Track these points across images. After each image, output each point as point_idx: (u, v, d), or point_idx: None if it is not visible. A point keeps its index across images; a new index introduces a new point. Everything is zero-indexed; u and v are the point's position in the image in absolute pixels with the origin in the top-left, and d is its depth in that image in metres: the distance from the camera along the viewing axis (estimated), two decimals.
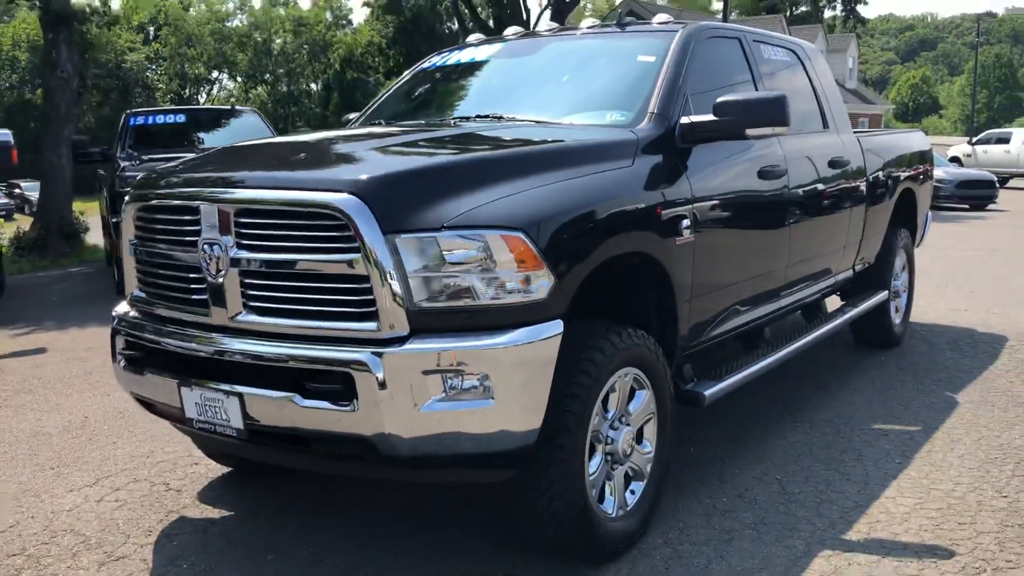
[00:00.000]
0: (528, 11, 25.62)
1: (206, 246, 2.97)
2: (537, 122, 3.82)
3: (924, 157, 6.78)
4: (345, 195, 2.70)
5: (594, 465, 3.13)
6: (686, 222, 3.51)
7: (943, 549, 3.28)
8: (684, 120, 3.69)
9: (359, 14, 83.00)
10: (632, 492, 3.36)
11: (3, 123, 51.15)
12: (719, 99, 3.66)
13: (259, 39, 68.77)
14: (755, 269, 4.20)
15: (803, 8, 59.68)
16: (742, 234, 4.08)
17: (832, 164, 5.02)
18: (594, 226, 3.03)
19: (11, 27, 58.23)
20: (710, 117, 3.66)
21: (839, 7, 59.71)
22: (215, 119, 11.09)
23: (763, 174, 4.22)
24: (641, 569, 3.18)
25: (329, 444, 2.87)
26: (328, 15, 72.95)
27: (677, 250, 3.48)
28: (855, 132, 5.73)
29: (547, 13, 25.09)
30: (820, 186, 4.84)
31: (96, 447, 4.59)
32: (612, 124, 3.67)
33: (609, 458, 3.22)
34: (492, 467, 2.91)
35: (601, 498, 3.21)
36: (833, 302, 5.92)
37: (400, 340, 2.70)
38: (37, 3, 14.30)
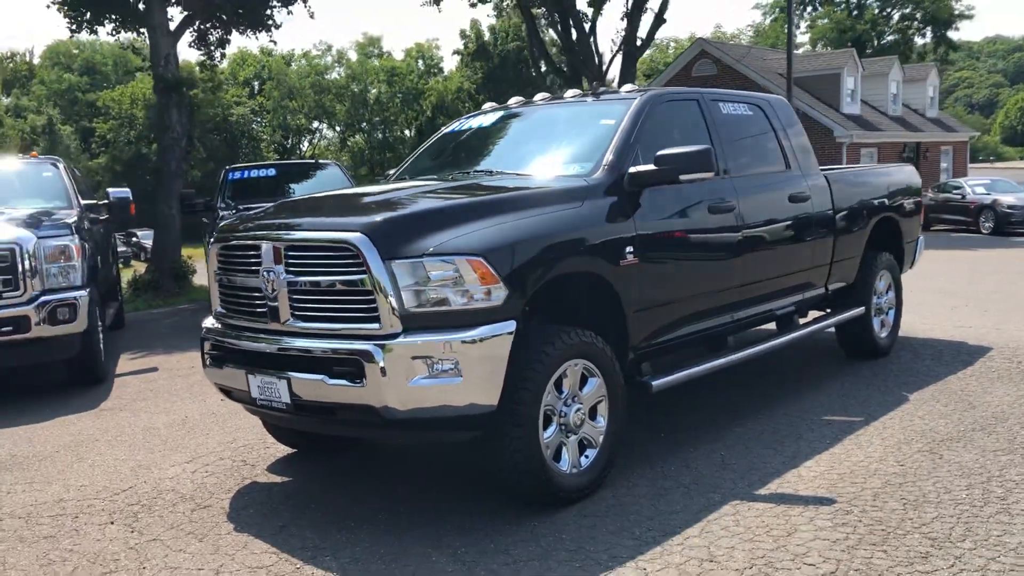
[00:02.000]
0: (600, 56, 26.82)
1: (265, 272, 4.18)
2: (517, 175, 4.95)
3: (910, 189, 7.60)
4: (357, 233, 3.87)
5: (549, 432, 4.17)
6: (629, 248, 4.55)
7: (827, 499, 4.19)
8: (632, 170, 4.74)
9: (450, 62, 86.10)
10: (586, 456, 4.38)
11: (122, 175, 55.13)
12: (658, 153, 4.71)
13: (355, 90, 72.06)
14: (703, 288, 5.18)
15: (890, 38, 59.28)
16: (688, 259, 5.08)
17: (792, 199, 5.96)
18: (541, 252, 4.11)
19: (130, 87, 62.81)
20: (651, 167, 4.70)
21: (928, 35, 59.10)
22: (302, 172, 12.57)
23: (713, 209, 5.22)
24: (587, 511, 4.19)
25: (348, 412, 4.01)
26: (420, 64, 76.01)
27: (621, 272, 4.52)
28: (827, 169, 6.65)
29: (618, 59, 26.19)
30: (777, 218, 5.80)
31: (193, 437, 5.84)
32: (573, 175, 4.75)
33: (563, 428, 4.26)
34: (462, 428, 4.01)
35: (558, 458, 4.25)
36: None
37: (395, 335, 3.83)
38: (151, 74, 16.15)
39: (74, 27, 16.98)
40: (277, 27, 17.34)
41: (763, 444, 5.08)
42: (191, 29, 17.61)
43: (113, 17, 17.01)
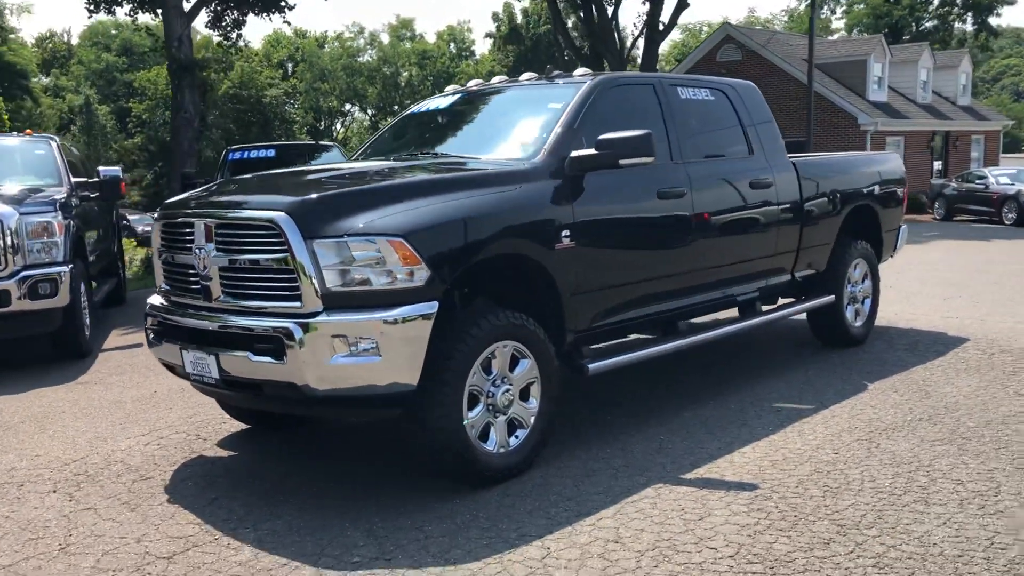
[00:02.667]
0: (622, 40, 26.65)
1: (198, 250, 4.27)
2: (460, 157, 4.98)
3: (891, 178, 7.52)
4: (280, 213, 3.93)
5: (475, 412, 4.22)
6: (565, 232, 4.58)
7: (751, 485, 4.21)
8: (574, 154, 4.76)
9: (482, 45, 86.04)
10: (516, 437, 4.43)
11: (156, 155, 55.75)
12: (599, 137, 4.72)
13: (387, 72, 72.25)
14: (649, 273, 5.19)
15: (928, 24, 58.19)
16: (632, 244, 5.08)
17: (754, 186, 5.94)
18: (466, 234, 4.14)
19: (165, 68, 63.50)
20: (592, 151, 4.72)
21: (969, 21, 57.92)
22: (301, 153, 12.67)
23: (663, 195, 5.23)
24: (511, 491, 4.24)
25: (273, 388, 4.09)
26: (452, 47, 76.03)
27: (557, 255, 4.55)
28: (795, 156, 6.61)
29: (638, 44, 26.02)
30: (735, 204, 5.79)
31: (156, 411, 5.96)
32: (513, 158, 4.78)
33: (491, 408, 4.31)
34: (383, 407, 4.08)
35: (486, 438, 4.30)
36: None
37: (316, 314, 3.89)
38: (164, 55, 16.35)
39: (91, 7, 17.20)
40: (291, 8, 17.44)
41: (706, 429, 5.10)
42: (207, 9, 17.77)
43: None
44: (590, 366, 4.80)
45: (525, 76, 5.71)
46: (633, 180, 5.09)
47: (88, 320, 8.01)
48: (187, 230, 4.37)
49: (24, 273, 7.03)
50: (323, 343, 3.86)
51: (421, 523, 3.92)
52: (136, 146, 61.79)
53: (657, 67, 28.60)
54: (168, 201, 4.78)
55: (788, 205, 6.24)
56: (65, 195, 8.02)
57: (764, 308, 6.46)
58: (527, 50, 66.46)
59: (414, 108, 6.16)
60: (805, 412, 5.38)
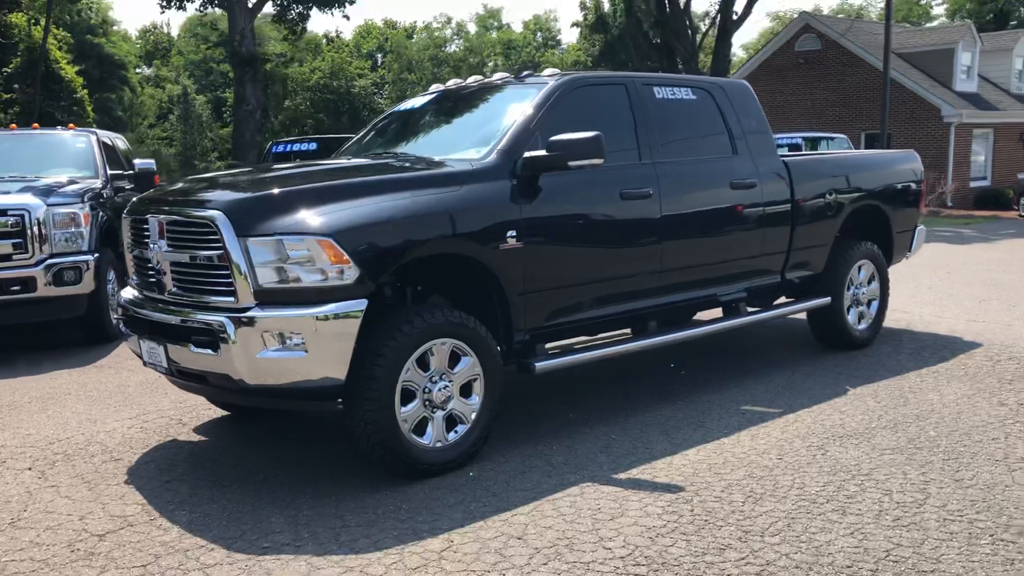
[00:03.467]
0: (694, 32, 26.29)
1: (153, 246, 4.51)
2: (417, 157, 5.10)
3: (905, 176, 7.33)
4: (216, 211, 4.13)
5: (409, 407, 4.35)
6: (511, 232, 4.65)
7: (677, 487, 4.22)
8: (527, 155, 4.83)
9: (569, 34, 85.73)
10: (456, 432, 4.54)
11: (249, 143, 57.75)
12: (551, 139, 4.77)
13: (472, 62, 72.72)
14: (610, 273, 5.21)
15: None
16: (590, 244, 5.11)
17: (735, 186, 5.89)
18: (399, 234, 4.26)
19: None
20: (543, 152, 4.78)
21: None
22: (343, 144, 12.95)
23: (627, 195, 5.25)
24: (442, 484, 4.36)
25: (215, 379, 4.30)
26: (538, 36, 76.05)
27: (503, 255, 4.63)
28: (791, 156, 6.52)
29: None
30: (712, 205, 5.76)
31: (152, 396, 6.28)
32: (465, 159, 4.87)
33: (428, 404, 4.43)
34: (313, 400, 4.24)
35: (422, 432, 4.43)
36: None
37: (247, 309, 4.08)
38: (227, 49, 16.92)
39: (164, 3, 17.88)
40: (351, 2, 17.82)
41: (661, 430, 5.11)
42: (273, 3, 18.29)
43: None
44: (537, 365, 4.87)
45: (497, 76, 5.78)
46: (595, 181, 5.13)
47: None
48: (145, 227, 4.62)
49: (50, 261, 7.46)
50: (254, 337, 4.04)
51: (344, 512, 4.07)
52: (230, 135, 63.88)
53: (730, 58, 28.10)
54: (135, 198, 5.04)
55: (776, 206, 6.17)
56: (99, 187, 8.45)
57: (752, 309, 6.41)
58: (614, 39, 65.87)
59: (397, 107, 6.31)
60: (769, 416, 5.33)
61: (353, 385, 4.20)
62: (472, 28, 77.23)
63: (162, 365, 4.49)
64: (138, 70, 71.93)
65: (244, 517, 4.06)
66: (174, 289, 4.44)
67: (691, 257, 5.66)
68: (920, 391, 5.80)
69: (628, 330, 5.74)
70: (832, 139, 20.25)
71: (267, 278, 4.07)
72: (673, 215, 5.48)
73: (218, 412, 5.77)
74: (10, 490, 4.51)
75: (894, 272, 11.30)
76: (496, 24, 78.84)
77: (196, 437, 5.34)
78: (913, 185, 7.41)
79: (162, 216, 4.47)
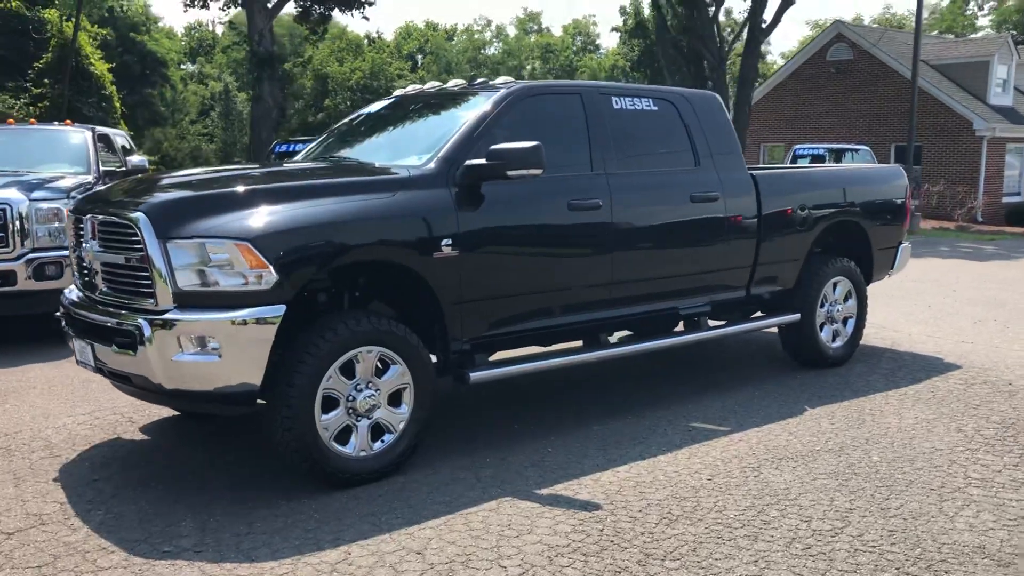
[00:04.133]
0: (722, 40, 26.05)
1: (86, 246, 4.53)
2: (359, 163, 5.08)
3: (888, 192, 7.17)
4: (139, 213, 4.14)
5: (332, 414, 4.32)
6: (446, 241, 4.61)
7: (594, 505, 4.15)
8: (467, 163, 4.78)
9: (609, 39, 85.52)
10: (382, 441, 4.51)
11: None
12: (490, 147, 4.73)
13: (511, 65, 72.82)
14: (555, 284, 5.15)
15: None
16: (532, 254, 5.05)
17: (695, 199, 5.80)
18: (322, 240, 4.24)
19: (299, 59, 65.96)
20: (482, 161, 4.73)
21: None
22: None
23: (575, 206, 5.18)
24: (362, 494, 4.32)
25: (137, 380, 4.31)
26: (577, 40, 75.95)
27: (436, 263, 4.59)
28: (760, 169, 6.41)
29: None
30: (669, 217, 5.67)
31: (112, 394, 6.27)
32: (404, 165, 4.83)
33: (352, 412, 4.40)
34: (229, 404, 4.23)
35: (346, 440, 4.40)
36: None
37: (165, 312, 4.08)
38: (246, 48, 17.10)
39: (188, 3, 18.10)
40: (370, 5, 17.90)
41: (600, 445, 5.04)
42: (296, 4, 18.43)
43: None
44: (472, 375, 4.82)
45: (452, 83, 5.75)
46: (541, 190, 5.07)
47: None
48: (82, 227, 4.65)
49: (31, 255, 7.56)
50: (169, 340, 4.04)
51: (256, 519, 4.05)
52: (249, 133, 64.47)
53: (758, 66, 27.80)
54: (79, 199, 5.07)
55: (740, 219, 6.06)
56: (89, 182, 8.55)
57: (716, 323, 6.31)
58: (653, 44, 65.58)
59: (361, 110, 6.30)
60: (715, 434, 5.23)
61: (273, 391, 4.19)
62: (511, 31, 77.37)
63: (90, 364, 4.51)
64: (182, 67, 72.93)
65: (156, 520, 4.06)
66: (104, 289, 4.47)
67: (645, 269, 5.58)
68: (880, 414, 5.65)
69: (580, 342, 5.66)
70: (857, 151, 19.98)
71: (186, 281, 4.07)
72: (624, 227, 5.40)
73: (170, 412, 5.79)
74: None
75: (894, 288, 11.13)
76: (536, 28, 78.90)
77: (140, 436, 5.37)
78: (896, 201, 7.24)
79: (96, 216, 4.49)
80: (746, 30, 25.63)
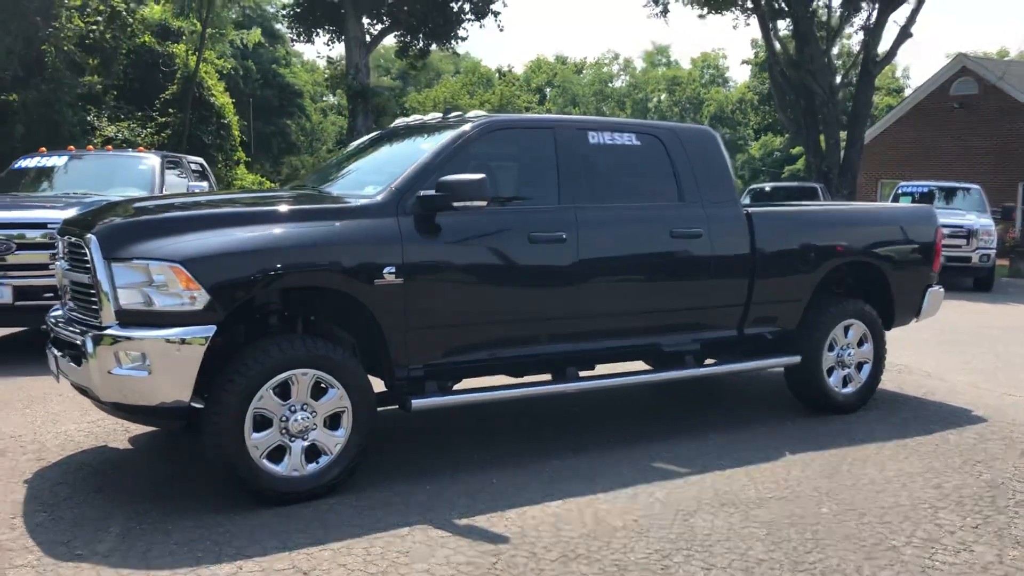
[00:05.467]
0: (833, 70, 25.31)
1: (58, 263, 4.89)
2: (319, 193, 5.28)
3: (910, 235, 6.85)
4: (89, 234, 4.44)
5: (264, 434, 4.48)
6: (389, 269, 4.72)
7: (502, 538, 4.14)
8: (421, 194, 4.89)
9: (739, 71, 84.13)
10: (316, 463, 4.63)
11: None
12: (440, 179, 4.83)
13: (637, 98, 72.81)
14: (511, 315, 5.18)
15: None
16: (492, 284, 5.10)
17: (676, 235, 5.72)
18: (255, 265, 4.42)
19: (433, 91, 67.87)
20: (432, 192, 4.83)
21: None
22: None
23: (535, 239, 5.21)
24: (290, 513, 4.42)
25: (89, 391, 4.59)
26: (705, 73, 75.17)
27: (378, 291, 4.71)
28: (758, 207, 6.25)
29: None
30: (644, 251, 5.61)
31: None
32: (356, 195, 4.99)
33: (285, 432, 4.55)
34: (162, 418, 4.46)
35: (279, 459, 4.55)
36: None
37: (106, 328, 4.35)
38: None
39: (295, 38, 19.03)
40: (463, 39, 18.35)
41: (547, 479, 5.00)
42: (397, 38, 19.10)
43: (328, 28, 18.87)
44: (414, 402, 4.89)
45: (430, 116, 5.88)
46: (500, 222, 5.14)
47: None
48: (58, 246, 5.02)
49: None
50: (107, 355, 4.31)
51: (176, 528, 4.24)
52: None
53: (874, 99, 26.81)
54: (66, 218, 5.46)
55: (729, 258, 5.92)
56: None
57: (709, 362, 6.17)
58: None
59: (361, 140, 6.53)
60: (672, 475, 5.11)
61: (206, 408, 4.39)
62: (640, 64, 77.38)
63: (58, 374, 4.84)
64: (323, 98, 76.06)
65: (87, 524, 4.30)
66: (71, 306, 4.80)
67: (616, 304, 5.53)
68: (862, 465, 5.38)
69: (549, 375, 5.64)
70: (968, 190, 18.99)
71: (127, 300, 4.32)
72: (591, 260, 5.38)
73: None
74: None
75: (968, 334, 10.53)
76: (664, 61, 78.62)
77: (124, 445, 5.68)
78: (923, 243, 6.89)
79: (67, 237, 4.83)
80: (859, 63, 24.82)
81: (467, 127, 5.28)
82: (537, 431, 6.06)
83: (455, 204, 4.77)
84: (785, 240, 6.20)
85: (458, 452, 5.51)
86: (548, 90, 76.89)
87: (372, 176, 5.39)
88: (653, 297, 5.69)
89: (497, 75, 72.76)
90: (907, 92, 60.36)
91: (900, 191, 18.73)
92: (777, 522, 4.40)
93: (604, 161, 5.63)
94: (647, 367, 6.29)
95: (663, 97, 71.47)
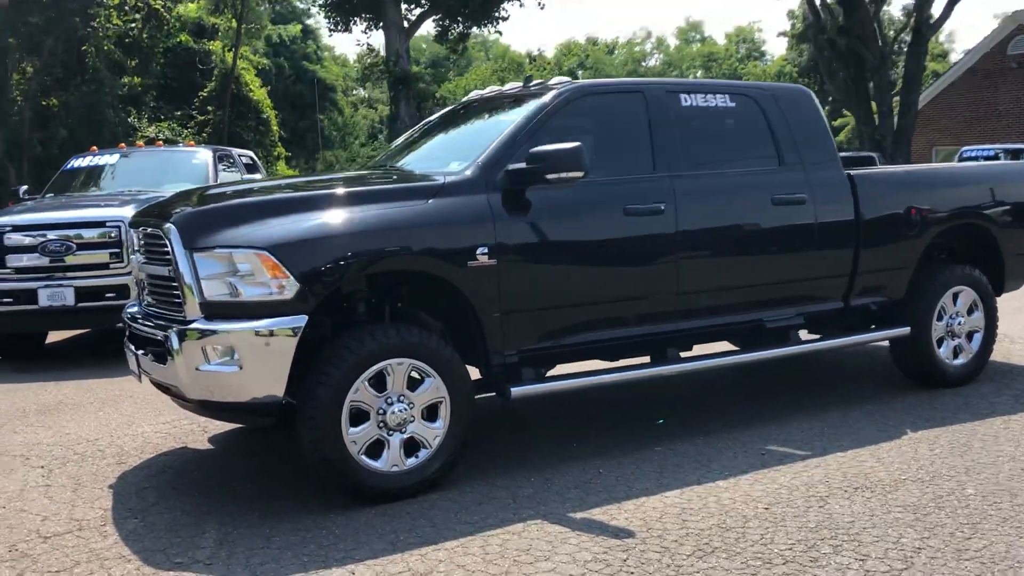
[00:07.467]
0: (883, 36, 24.57)
1: (133, 256, 4.64)
2: (400, 171, 4.97)
3: (1019, 194, 6.39)
4: (168, 224, 4.18)
5: (360, 428, 4.19)
6: (482, 249, 4.41)
7: (627, 532, 3.82)
8: (510, 168, 4.57)
9: (776, 44, 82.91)
10: (416, 457, 4.34)
11: None
12: (531, 150, 4.50)
13: (672, 76, 71.90)
14: (610, 294, 4.83)
15: None
16: (587, 262, 4.76)
17: (778, 202, 5.34)
18: (345, 249, 4.13)
19: (463, 79, 67.57)
20: (522, 165, 4.51)
21: None
22: None
23: (631, 211, 4.86)
24: (391, 511, 4.16)
25: (174, 390, 4.34)
26: (741, 48, 74.05)
27: (471, 273, 4.40)
28: (862, 170, 5.84)
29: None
30: (745, 222, 5.25)
31: None
32: (443, 171, 4.67)
33: (383, 425, 4.26)
34: (254, 415, 4.18)
35: (378, 454, 4.26)
36: None
37: (191, 322, 4.08)
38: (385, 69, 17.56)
39: (332, 27, 18.80)
40: (504, 19, 18.00)
41: (657, 467, 4.68)
42: (435, 23, 18.79)
43: (365, 16, 18.61)
44: (513, 390, 4.58)
45: (508, 86, 5.54)
46: (593, 195, 4.80)
47: None
48: (133, 239, 4.77)
49: None
50: (194, 351, 4.04)
51: (276, 533, 3.98)
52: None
53: (925, 64, 26.05)
54: (138, 209, 5.21)
55: (834, 225, 5.53)
56: None
57: (811, 337, 5.80)
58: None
59: (428, 118, 6.21)
60: (790, 459, 4.76)
61: (300, 403, 4.12)
62: (673, 42, 76.38)
63: (136, 373, 4.60)
64: (354, 92, 76.09)
65: (182, 530, 4.05)
66: (149, 300, 4.55)
67: (717, 278, 5.17)
68: (994, 441, 4.99)
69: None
70: None
71: (212, 291, 4.06)
72: (692, 232, 5.03)
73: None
74: (9, 485, 4.75)
75: None
76: (698, 37, 77.52)
77: (205, 446, 5.45)
78: None
79: (143, 228, 4.58)
80: (911, 25, 24.09)
81: (552, 94, 4.94)
82: (633, 417, 5.74)
83: (549, 177, 4.43)
84: (890, 203, 5.79)
85: (553, 441, 5.19)
86: (580, 72, 76.20)
87: (453, 152, 5.08)
88: (756, 269, 5.32)
89: (527, 60, 72.28)
90: (952, 57, 58.95)
91: (963, 155, 18.07)
92: (922, 506, 4.03)
93: (698, 125, 5.27)
94: (735, 348, 5.89)
95: (699, 74, 70.41)
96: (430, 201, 4.42)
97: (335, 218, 4.21)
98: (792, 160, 5.49)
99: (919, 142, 26.99)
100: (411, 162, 5.38)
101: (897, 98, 24.87)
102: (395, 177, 4.90)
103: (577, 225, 4.75)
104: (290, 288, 4.01)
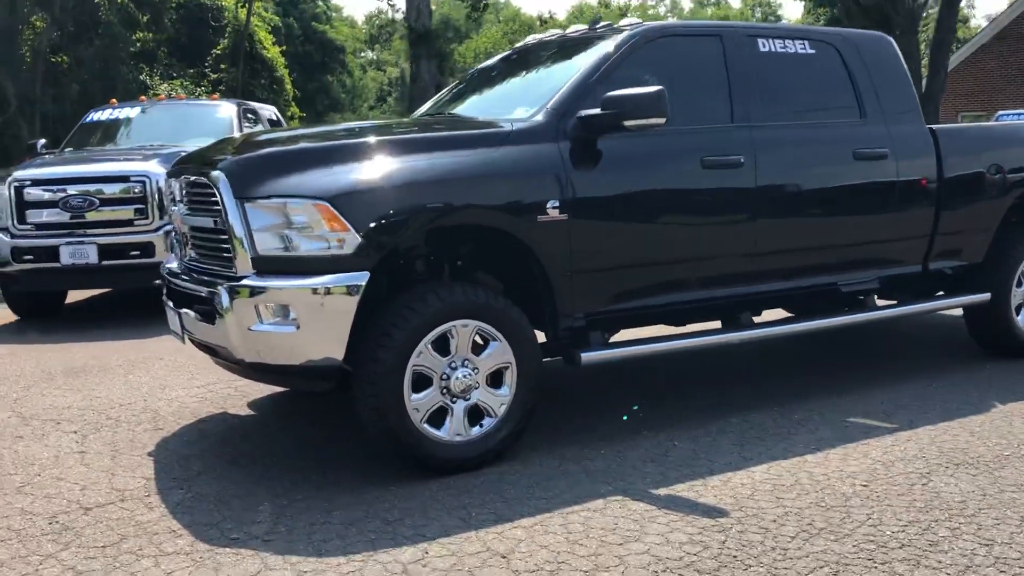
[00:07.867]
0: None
1: (174, 208, 4.30)
2: (462, 118, 4.61)
3: None
4: (216, 171, 3.83)
5: (424, 394, 3.87)
6: (553, 203, 4.06)
7: (720, 511, 3.51)
8: (582, 114, 4.21)
9: (793, 8, 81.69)
10: (481, 426, 4.03)
11: None
12: (606, 95, 4.13)
13: None
14: (685, 254, 4.50)
15: None
16: (657, 220, 4.41)
17: (859, 156, 4.98)
18: (409, 201, 3.78)
19: (474, 42, 66.68)
20: (596, 111, 4.14)
21: None
22: None
23: (710, 164, 4.51)
24: (457, 483, 3.85)
25: (222, 352, 4.02)
26: (756, 12, 72.92)
27: (541, 228, 4.05)
28: (942, 125, 5.47)
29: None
30: (827, 177, 4.89)
31: None
32: (511, 119, 4.30)
33: (446, 392, 3.94)
34: (310, 378, 3.87)
35: (440, 423, 3.95)
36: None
37: (242, 278, 3.75)
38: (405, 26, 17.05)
39: None
40: None
41: (736, 440, 4.37)
42: None
43: None
44: (584, 355, 4.25)
45: (572, 29, 5.16)
46: (670, 146, 4.45)
47: None
48: (171, 189, 4.43)
49: (168, 227, 7.57)
50: (246, 309, 3.72)
51: (335, 507, 3.67)
52: (407, 112, 65.83)
53: (955, 27, 25.38)
54: (178, 158, 4.86)
55: (915, 182, 5.17)
56: None
57: (886, 303, 5.46)
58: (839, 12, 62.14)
59: (477, 66, 5.83)
60: (878, 432, 4.44)
61: (358, 367, 3.80)
62: (687, 5, 75.19)
63: (179, 334, 4.28)
64: (362, 54, 75.31)
65: (233, 502, 3.75)
66: (192, 255, 4.22)
67: (796, 238, 4.83)
68: None
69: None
70: None
71: (265, 245, 3.72)
72: (772, 188, 4.68)
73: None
74: (42, 452, 4.46)
75: None
76: (714, 0, 76.28)
77: (246, 411, 5.15)
78: None
79: (185, 177, 4.24)
80: None
81: (623, 36, 4.57)
82: (701, 385, 5.43)
83: (627, 124, 4.07)
84: (973, 161, 5.43)
85: (618, 411, 4.87)
86: None
87: (516, 98, 4.72)
88: (835, 229, 4.98)
89: (538, 22, 71.26)
90: (972, 23, 57.93)
91: (999, 119, 17.58)
92: (1021, 485, 3.72)
93: (777, 73, 4.89)
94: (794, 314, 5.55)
95: None
96: (499, 150, 4.07)
97: (399, 167, 3.86)
98: (873, 111, 5.12)
99: (945, 108, 26.39)
100: (468, 109, 5.00)
101: (924, 60, 24.24)
102: (457, 124, 4.54)
103: (653, 177, 4.40)
104: (350, 242, 3.67)
